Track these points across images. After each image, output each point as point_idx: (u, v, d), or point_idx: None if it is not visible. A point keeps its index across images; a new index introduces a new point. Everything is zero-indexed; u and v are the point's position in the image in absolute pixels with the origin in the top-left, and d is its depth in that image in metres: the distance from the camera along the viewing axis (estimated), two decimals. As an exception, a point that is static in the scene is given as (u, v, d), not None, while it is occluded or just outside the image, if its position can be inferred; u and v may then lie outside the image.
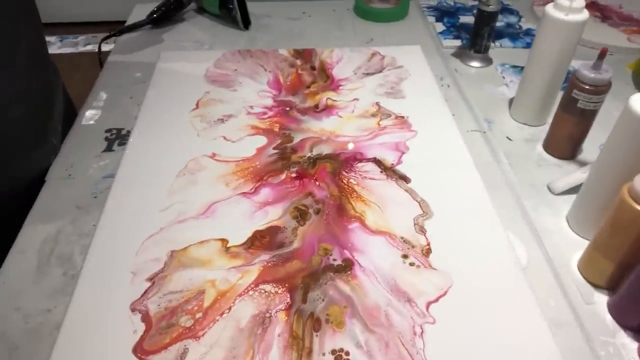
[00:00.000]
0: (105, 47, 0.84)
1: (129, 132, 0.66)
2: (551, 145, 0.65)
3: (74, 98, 0.78)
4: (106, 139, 0.66)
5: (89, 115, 0.70)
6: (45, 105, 0.67)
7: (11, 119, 0.59)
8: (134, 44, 0.87)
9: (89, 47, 2.36)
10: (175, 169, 0.60)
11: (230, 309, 0.45)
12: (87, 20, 2.48)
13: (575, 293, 0.48)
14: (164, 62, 0.80)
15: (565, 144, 0.64)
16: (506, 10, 1.00)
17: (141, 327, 0.43)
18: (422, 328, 0.44)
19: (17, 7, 0.59)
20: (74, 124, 0.68)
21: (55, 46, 2.38)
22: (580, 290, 0.48)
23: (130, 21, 0.91)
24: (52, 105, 0.68)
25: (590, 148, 0.64)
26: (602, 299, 0.48)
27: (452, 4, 1.02)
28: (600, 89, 0.57)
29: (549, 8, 0.62)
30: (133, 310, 0.45)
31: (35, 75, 0.64)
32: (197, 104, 0.71)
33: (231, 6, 0.89)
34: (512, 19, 0.97)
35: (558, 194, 0.59)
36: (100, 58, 0.84)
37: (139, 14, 0.93)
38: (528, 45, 0.88)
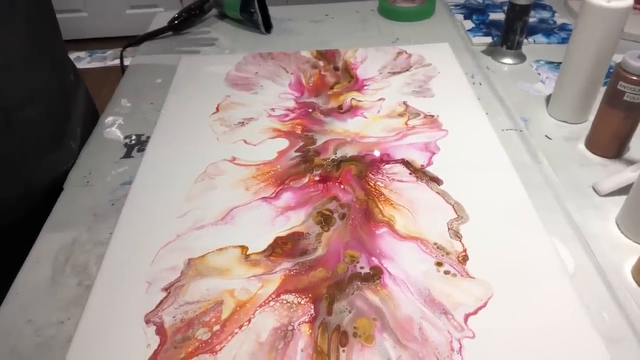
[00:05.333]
0: (129, 60, 0.83)
1: (148, 138, 0.64)
2: (594, 144, 0.60)
3: (101, 111, 0.77)
4: (125, 145, 0.64)
5: (109, 122, 0.68)
6: (62, 107, 0.65)
7: (26, 119, 0.58)
8: (155, 50, 0.86)
9: (117, 61, 2.40)
10: (194, 174, 0.57)
11: (249, 321, 0.42)
12: (117, 35, 2.52)
13: (631, 304, 0.43)
14: (184, 67, 0.78)
15: (610, 141, 0.59)
16: (538, 5, 0.95)
17: (155, 341, 0.41)
18: (460, 343, 0.40)
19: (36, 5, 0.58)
20: (93, 130, 0.67)
21: (85, 61, 2.42)
22: (637, 301, 0.43)
23: (151, 29, 0.90)
24: (70, 107, 0.67)
25: (639, 145, 0.59)
26: (663, 311, 0.43)
27: (481, 0, 0.98)
28: (650, 80, 0.52)
29: (589, -5, 0.57)
30: (147, 322, 0.42)
31: (52, 75, 0.63)
32: (217, 108, 0.69)
33: (252, 10, 0.87)
34: (545, 14, 0.92)
35: (604, 196, 0.54)
36: (122, 67, 0.83)
37: (159, 21, 0.92)
38: (564, 41, 0.83)
